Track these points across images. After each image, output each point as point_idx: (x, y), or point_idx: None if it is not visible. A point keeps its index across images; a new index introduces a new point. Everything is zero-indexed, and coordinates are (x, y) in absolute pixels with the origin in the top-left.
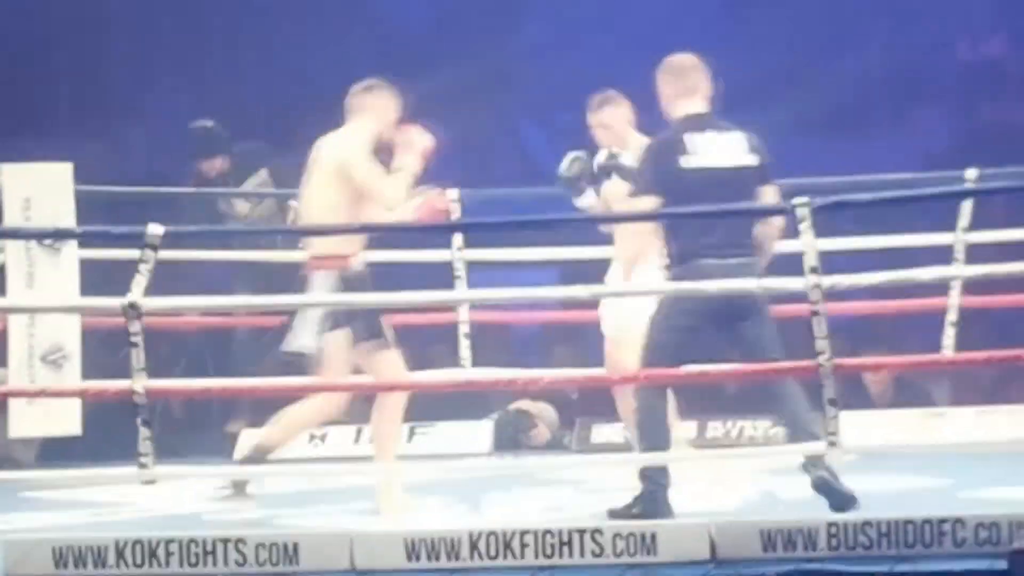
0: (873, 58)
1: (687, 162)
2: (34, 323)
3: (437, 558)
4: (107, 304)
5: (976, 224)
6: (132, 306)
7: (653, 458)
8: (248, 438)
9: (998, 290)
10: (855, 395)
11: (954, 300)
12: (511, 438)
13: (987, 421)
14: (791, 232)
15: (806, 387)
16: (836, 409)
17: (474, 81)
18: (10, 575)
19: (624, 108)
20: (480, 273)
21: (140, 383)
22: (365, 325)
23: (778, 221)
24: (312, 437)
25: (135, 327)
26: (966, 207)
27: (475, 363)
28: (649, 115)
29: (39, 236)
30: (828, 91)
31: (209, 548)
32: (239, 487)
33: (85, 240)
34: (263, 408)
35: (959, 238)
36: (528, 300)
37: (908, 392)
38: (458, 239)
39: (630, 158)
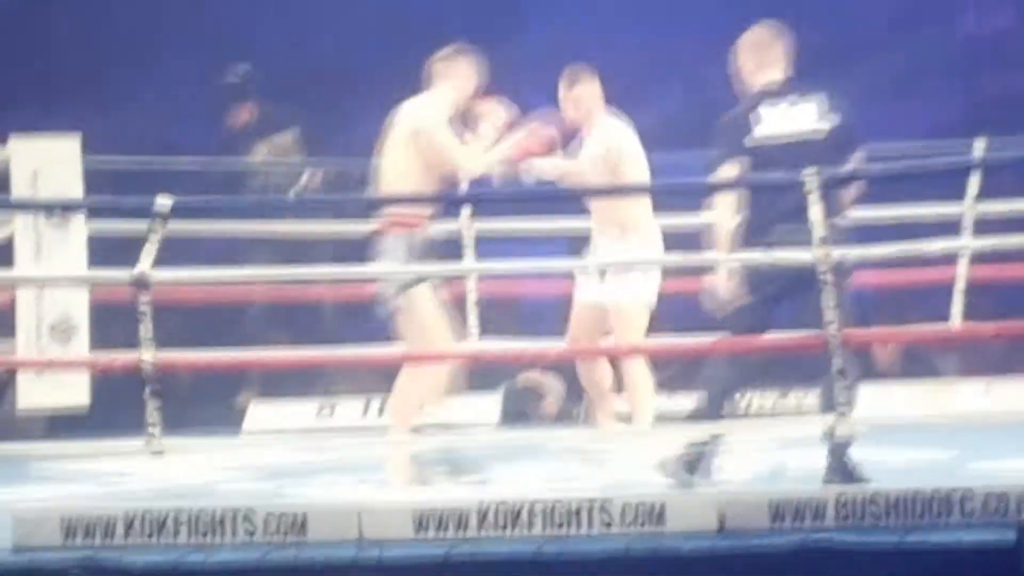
0: (880, 28)
1: (758, 132)
2: (42, 295)
3: (446, 529)
4: (115, 276)
5: (985, 195)
6: (140, 278)
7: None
8: (257, 411)
9: (1007, 261)
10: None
11: (962, 272)
12: (519, 410)
13: (996, 392)
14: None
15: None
16: (845, 380)
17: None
18: (19, 546)
19: (596, 84)
20: (488, 245)
21: (148, 355)
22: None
23: (850, 190)
24: (321, 409)
25: (144, 299)
26: (975, 178)
27: (483, 335)
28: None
29: (48, 208)
30: (837, 61)
31: (218, 520)
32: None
33: (94, 212)
34: (272, 381)
35: (968, 209)
36: (536, 272)
37: (917, 364)
38: (466, 210)
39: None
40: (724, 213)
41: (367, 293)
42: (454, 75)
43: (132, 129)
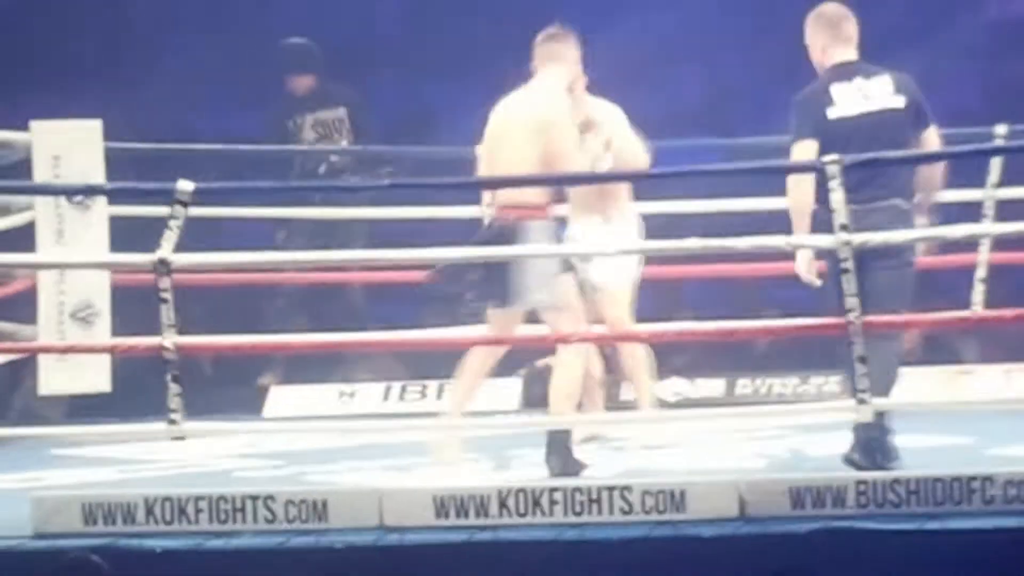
0: (900, 12)
1: (832, 112)
2: (64, 280)
3: (466, 515)
4: (137, 260)
5: (1006, 180)
6: (162, 262)
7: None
8: (280, 395)
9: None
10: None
11: (983, 257)
12: (539, 395)
13: (1016, 379)
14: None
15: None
16: (865, 367)
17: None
18: (39, 531)
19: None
20: None
21: (170, 339)
22: None
23: (937, 165)
24: (342, 394)
25: (165, 283)
26: (996, 163)
27: None
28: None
29: (69, 192)
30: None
31: (239, 505)
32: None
33: (115, 197)
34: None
35: (989, 194)
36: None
37: (936, 349)
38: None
39: None
40: (800, 196)
41: (398, 279)
42: (566, 57)
43: (152, 113)
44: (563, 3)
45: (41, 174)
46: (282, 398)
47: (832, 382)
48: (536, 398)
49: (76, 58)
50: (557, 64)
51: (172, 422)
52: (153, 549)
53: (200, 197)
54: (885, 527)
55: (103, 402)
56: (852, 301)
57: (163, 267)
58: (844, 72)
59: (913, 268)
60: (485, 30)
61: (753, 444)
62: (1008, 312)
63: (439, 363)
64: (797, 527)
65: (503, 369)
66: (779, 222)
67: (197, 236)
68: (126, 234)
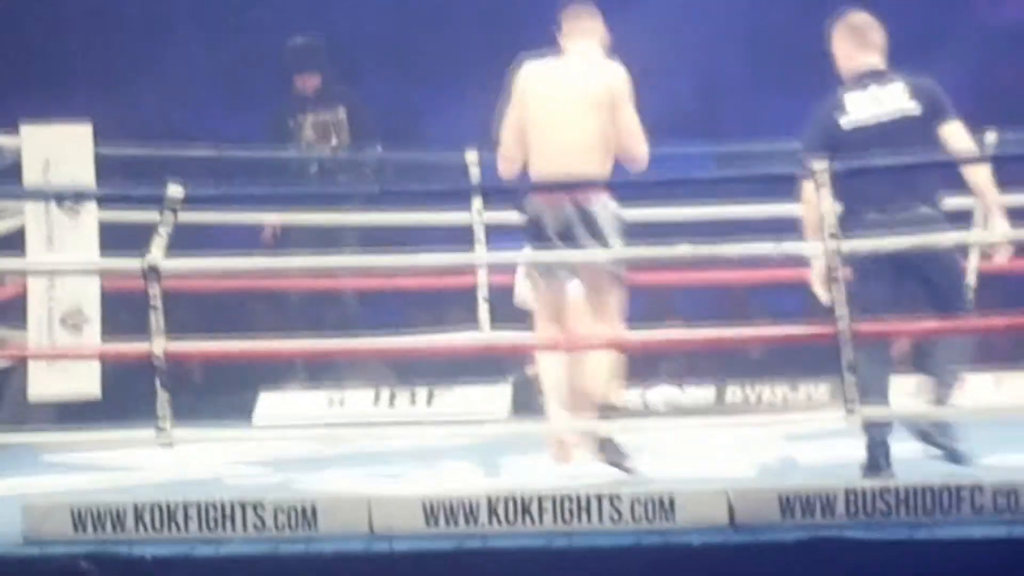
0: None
1: (845, 121)
2: (54, 285)
3: (455, 522)
4: (127, 266)
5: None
6: (152, 268)
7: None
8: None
9: (1018, 255)
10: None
11: (973, 264)
12: (529, 401)
13: (1006, 386)
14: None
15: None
16: (854, 375)
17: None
18: (29, 538)
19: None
20: (498, 236)
21: (159, 345)
22: None
23: (983, 169)
24: (331, 401)
25: (154, 289)
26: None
27: (493, 326)
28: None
29: (59, 197)
30: None
31: (228, 512)
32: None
33: (106, 201)
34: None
35: (978, 201)
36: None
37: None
38: (478, 202)
39: None
40: (814, 203)
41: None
42: (597, 30)
43: (144, 117)
44: (551, 7)
45: (31, 178)
46: (271, 404)
47: (822, 390)
48: (526, 404)
49: (66, 61)
50: (589, 37)
51: (161, 429)
52: (143, 556)
53: (191, 203)
54: (874, 536)
55: (93, 408)
56: (841, 309)
57: (152, 272)
58: (860, 81)
59: (960, 269)
60: (473, 33)
61: (743, 452)
62: (999, 320)
63: (427, 369)
64: (786, 536)
65: (495, 375)
66: (770, 228)
67: (186, 240)
68: (117, 239)
